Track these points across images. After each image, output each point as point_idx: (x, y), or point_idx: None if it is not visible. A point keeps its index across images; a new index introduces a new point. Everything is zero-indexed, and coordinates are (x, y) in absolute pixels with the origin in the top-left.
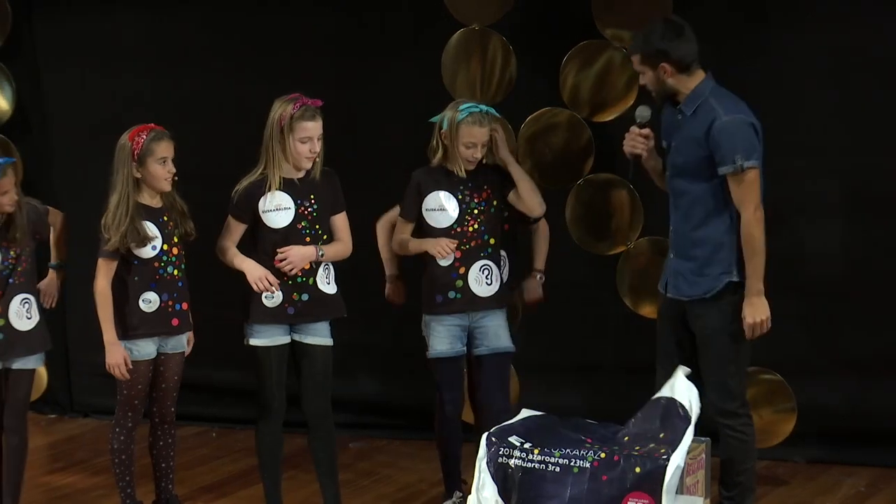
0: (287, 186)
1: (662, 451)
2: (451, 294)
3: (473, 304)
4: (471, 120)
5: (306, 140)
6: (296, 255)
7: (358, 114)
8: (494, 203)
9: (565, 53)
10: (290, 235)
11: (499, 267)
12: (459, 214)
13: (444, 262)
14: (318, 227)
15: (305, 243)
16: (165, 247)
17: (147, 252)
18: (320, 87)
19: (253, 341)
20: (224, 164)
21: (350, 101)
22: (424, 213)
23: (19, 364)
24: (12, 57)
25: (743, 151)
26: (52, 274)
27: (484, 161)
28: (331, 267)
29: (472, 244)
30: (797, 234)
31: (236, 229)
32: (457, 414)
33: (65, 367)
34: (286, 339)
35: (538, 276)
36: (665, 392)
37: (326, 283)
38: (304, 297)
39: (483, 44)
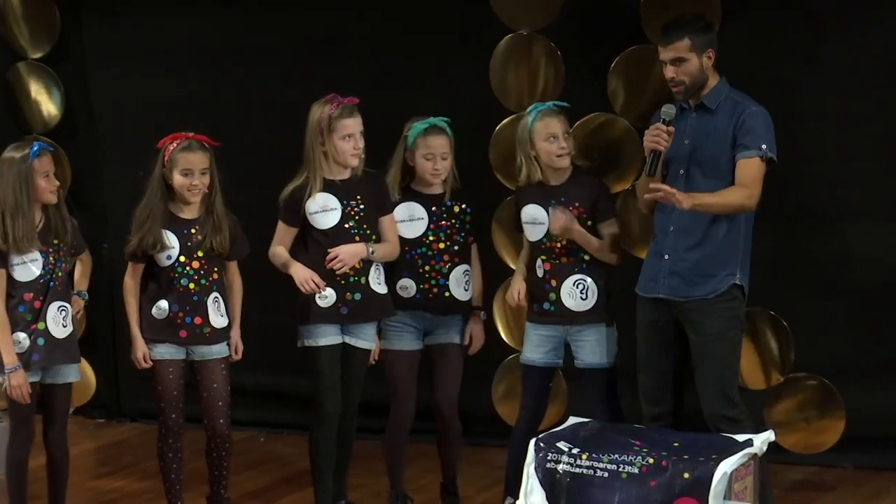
0: (331, 188)
1: (713, 457)
2: (546, 305)
3: (567, 317)
4: (541, 115)
5: (349, 137)
6: (346, 253)
7: (405, 118)
8: (588, 222)
9: (613, 59)
10: (338, 235)
11: (596, 282)
12: (549, 230)
13: (538, 273)
14: (365, 226)
15: (355, 243)
16: (183, 259)
17: (162, 260)
18: (367, 90)
19: (308, 342)
20: (272, 168)
21: (397, 106)
22: (524, 226)
23: (60, 378)
24: (61, 61)
25: (769, 142)
26: (76, 298)
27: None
28: (381, 268)
29: (564, 260)
30: (844, 239)
31: (286, 234)
32: (530, 422)
33: (113, 371)
34: (339, 340)
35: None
36: (740, 437)
37: (378, 284)
38: (357, 296)
39: (531, 49)
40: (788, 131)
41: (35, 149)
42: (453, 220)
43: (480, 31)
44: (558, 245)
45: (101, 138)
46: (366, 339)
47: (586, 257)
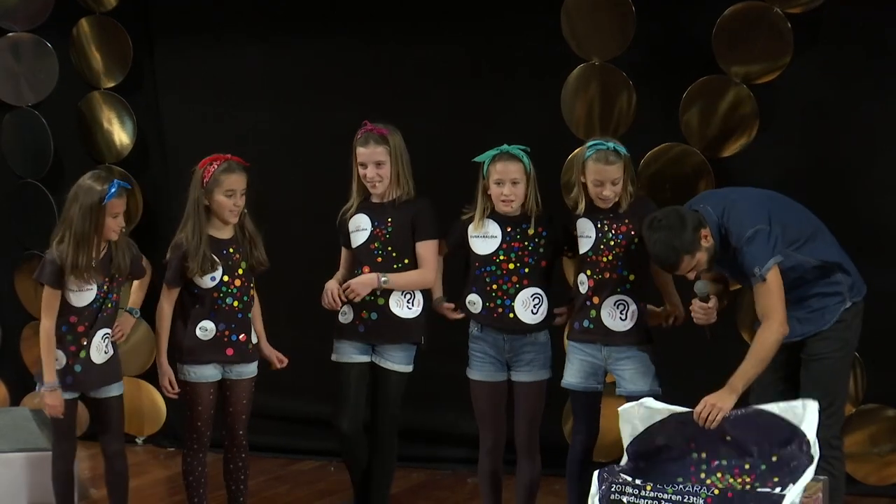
0: (367, 209)
1: (776, 484)
2: (586, 323)
3: (606, 336)
4: (595, 157)
5: (362, 165)
6: (357, 283)
7: (476, 147)
8: (636, 240)
9: (685, 89)
10: (362, 255)
11: (637, 305)
12: (594, 243)
13: (581, 290)
14: (390, 248)
15: (377, 263)
16: (226, 278)
17: (206, 282)
18: (438, 120)
19: (334, 357)
20: (340, 198)
21: (469, 136)
22: (579, 240)
23: (102, 393)
24: (133, 91)
25: (759, 262)
26: (127, 316)
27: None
28: (414, 292)
29: (606, 276)
30: None
31: (343, 253)
32: (584, 445)
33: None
34: (364, 358)
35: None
36: (790, 416)
37: (407, 308)
38: (373, 315)
39: (602, 79)
40: (862, 162)
41: (113, 190)
42: (526, 243)
43: (552, 61)
44: (604, 260)
45: (173, 167)
46: (397, 361)
47: (631, 277)
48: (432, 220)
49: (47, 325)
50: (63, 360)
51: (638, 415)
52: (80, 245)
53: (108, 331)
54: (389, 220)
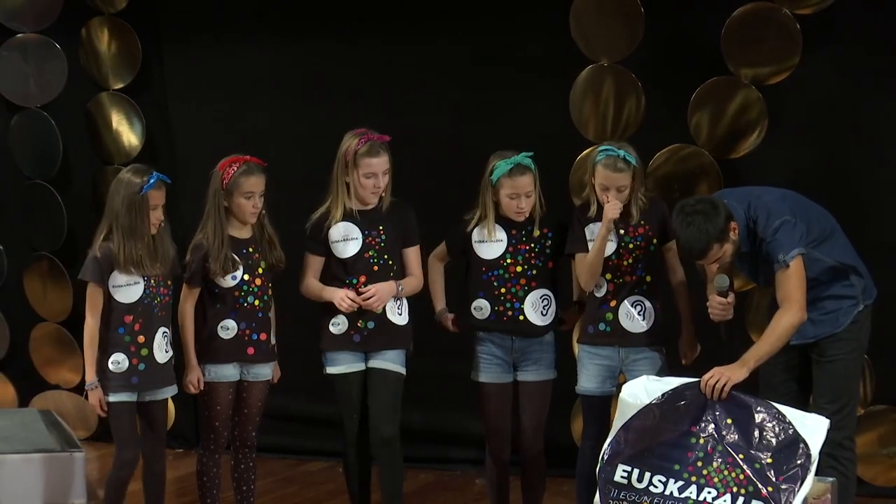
0: (354, 217)
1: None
2: (602, 326)
3: (623, 338)
4: (604, 162)
5: (370, 175)
6: (383, 291)
7: (482, 147)
8: (654, 241)
9: (694, 90)
10: (356, 265)
11: (654, 307)
12: (615, 247)
13: (598, 293)
14: (386, 257)
15: (373, 272)
16: (247, 277)
17: (227, 282)
18: (445, 120)
19: (329, 370)
20: None
21: (477, 137)
22: (589, 244)
23: (158, 395)
24: (142, 92)
25: (785, 250)
26: None
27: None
28: (403, 299)
29: (626, 279)
30: None
31: (314, 262)
32: (595, 450)
33: (192, 401)
34: (361, 366)
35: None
36: (798, 424)
37: (398, 314)
38: (371, 324)
39: (611, 80)
40: (871, 163)
41: (152, 181)
42: (532, 244)
43: (560, 62)
44: (625, 263)
45: (182, 168)
46: (394, 361)
47: (648, 278)
48: (416, 225)
49: (91, 323)
50: (125, 362)
51: (645, 388)
52: (131, 237)
53: (167, 330)
54: (381, 228)
